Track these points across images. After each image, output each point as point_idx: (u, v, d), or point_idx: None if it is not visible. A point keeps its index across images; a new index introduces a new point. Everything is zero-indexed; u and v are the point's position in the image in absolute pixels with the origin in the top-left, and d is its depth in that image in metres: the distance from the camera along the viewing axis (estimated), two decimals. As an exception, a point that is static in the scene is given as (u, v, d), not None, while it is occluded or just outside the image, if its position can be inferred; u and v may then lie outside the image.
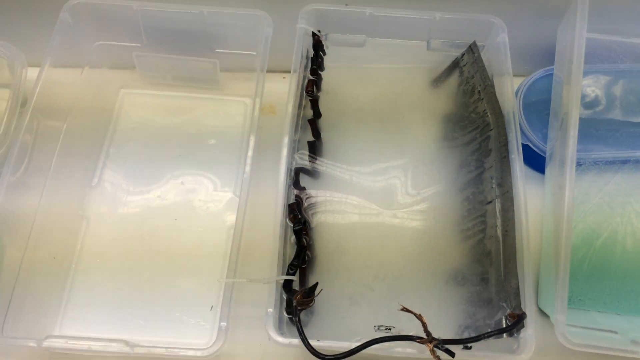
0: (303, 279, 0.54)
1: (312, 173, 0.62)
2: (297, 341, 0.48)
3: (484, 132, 0.62)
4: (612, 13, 0.67)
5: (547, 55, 0.71)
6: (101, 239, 0.64)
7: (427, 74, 0.69)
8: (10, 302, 0.54)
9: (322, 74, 0.66)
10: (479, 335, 0.47)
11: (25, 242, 0.57)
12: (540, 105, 0.68)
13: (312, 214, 0.59)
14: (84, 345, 0.47)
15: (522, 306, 0.50)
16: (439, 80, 0.69)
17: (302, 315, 0.52)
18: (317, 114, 0.63)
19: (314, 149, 0.62)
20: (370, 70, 0.69)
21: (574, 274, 0.60)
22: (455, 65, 0.67)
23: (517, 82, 0.70)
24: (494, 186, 0.58)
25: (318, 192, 0.61)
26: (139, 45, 0.67)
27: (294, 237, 0.55)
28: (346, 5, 0.65)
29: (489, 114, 0.62)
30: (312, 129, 0.62)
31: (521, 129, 0.65)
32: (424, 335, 0.46)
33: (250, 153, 0.57)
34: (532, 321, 0.50)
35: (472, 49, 0.65)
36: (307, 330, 0.48)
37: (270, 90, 0.63)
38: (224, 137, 0.71)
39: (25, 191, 0.58)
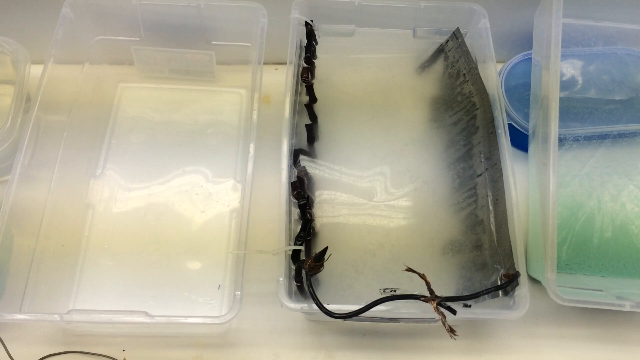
0: (308, 251, 0.57)
1: (309, 154, 0.65)
2: (307, 306, 0.51)
3: (470, 111, 0.66)
4: (584, -1, 0.72)
5: (524, 41, 0.75)
6: (108, 226, 0.66)
7: (414, 60, 0.73)
8: (26, 285, 0.56)
9: (315, 63, 0.69)
10: (478, 292, 0.50)
11: (36, 231, 0.59)
12: (520, 88, 0.73)
13: (314, 192, 0.62)
14: (106, 317, 0.49)
15: (515, 267, 0.54)
16: (425, 66, 0.73)
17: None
18: (313, 99, 0.66)
19: (312, 131, 0.65)
20: (360, 59, 0.73)
21: (560, 241, 0.64)
22: (440, 51, 0.71)
23: (497, 67, 0.74)
24: (482, 160, 0.62)
25: (317, 171, 0.64)
26: (137, 39, 0.70)
27: (297, 214, 0.58)
28: (336, -4, 0.68)
29: (474, 94, 0.65)
30: (309, 113, 0.65)
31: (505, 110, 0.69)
32: (427, 295, 0.49)
33: (254, 136, 0.59)
34: (524, 280, 0.53)
35: (456, 35, 0.69)
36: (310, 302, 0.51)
37: (264, 80, 0.65)
38: (221, 127, 0.73)
39: (34, 183, 0.60)
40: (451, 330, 0.47)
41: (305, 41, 0.67)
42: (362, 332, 0.62)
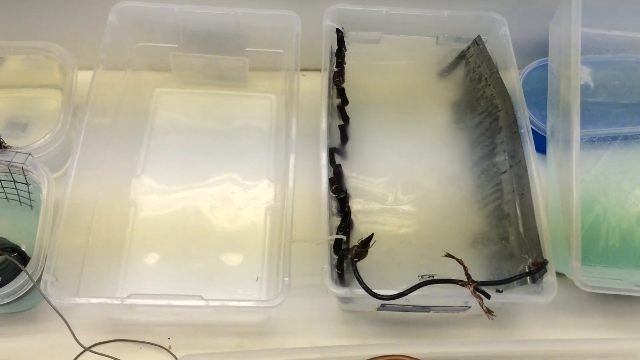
0: (348, 242, 0.61)
1: (341, 153, 0.69)
2: (349, 291, 0.54)
3: (492, 113, 0.70)
4: (594, 8, 0.76)
5: (539, 48, 0.80)
6: (149, 222, 0.69)
7: (436, 66, 0.77)
8: (81, 276, 0.59)
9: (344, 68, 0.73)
10: (510, 278, 0.54)
11: (88, 226, 0.62)
12: (537, 93, 0.77)
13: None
14: (163, 301, 0.53)
15: (543, 256, 0.57)
16: (447, 71, 0.77)
17: (347, 275, 0.58)
18: (345, 101, 0.70)
19: (344, 131, 0.69)
20: (386, 65, 0.77)
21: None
22: (461, 57, 0.75)
23: (516, 72, 0.78)
24: (506, 158, 0.66)
25: (351, 168, 0.68)
26: (176, 46, 0.73)
27: (334, 208, 0.62)
28: (364, 5, 0.72)
29: (496, 97, 0.70)
30: (342, 114, 0.69)
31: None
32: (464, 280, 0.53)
33: (294, 138, 0.63)
34: (552, 268, 0.57)
35: (477, 42, 0.73)
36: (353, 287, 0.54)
37: (290, 86, 0.69)
38: (252, 130, 0.77)
39: (86, 182, 0.63)
40: (489, 312, 0.51)
41: (335, 47, 0.71)
42: (394, 322, 0.65)
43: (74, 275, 0.58)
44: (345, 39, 0.73)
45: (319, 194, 0.60)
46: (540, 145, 0.74)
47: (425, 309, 0.61)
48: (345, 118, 0.70)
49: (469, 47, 0.74)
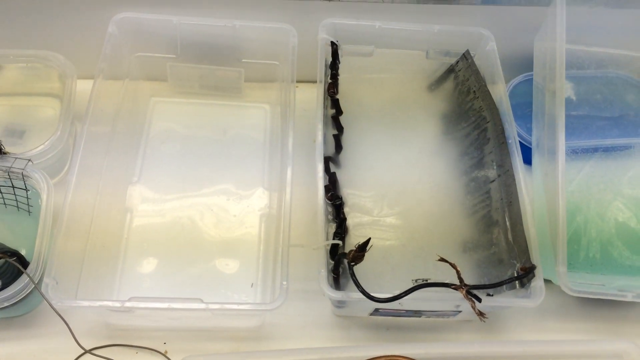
0: (343, 247, 0.62)
1: (335, 162, 0.71)
2: (347, 295, 0.56)
3: (480, 124, 0.72)
4: (578, 26, 0.79)
5: (523, 64, 0.83)
6: (145, 229, 0.70)
7: (427, 79, 0.80)
8: (79, 281, 0.60)
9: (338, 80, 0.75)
10: (500, 282, 0.56)
11: (87, 232, 0.63)
12: (522, 106, 0.80)
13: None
14: (165, 304, 0.54)
15: (531, 261, 0.60)
16: (436, 84, 0.79)
17: (342, 279, 0.60)
18: (339, 111, 0.72)
19: (338, 141, 0.71)
20: (378, 77, 0.79)
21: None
22: (451, 70, 0.78)
23: (502, 86, 0.81)
24: (495, 167, 0.68)
25: (342, 177, 0.69)
26: (174, 56, 0.75)
27: (330, 214, 0.64)
28: (357, 19, 0.74)
29: (484, 109, 0.72)
30: (336, 124, 0.71)
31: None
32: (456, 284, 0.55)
33: (290, 148, 0.65)
34: (539, 273, 0.59)
35: (466, 56, 0.76)
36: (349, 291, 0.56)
37: (285, 97, 0.71)
38: (247, 139, 0.79)
39: (84, 189, 0.64)
40: (481, 314, 0.53)
41: (330, 60, 0.73)
42: (386, 327, 0.67)
43: (73, 279, 0.59)
44: (339, 52, 0.75)
45: (314, 202, 0.62)
46: (526, 157, 0.77)
47: (417, 313, 0.63)
48: (339, 128, 0.72)
49: (457, 61, 0.77)
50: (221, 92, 0.80)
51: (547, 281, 0.66)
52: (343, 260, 0.56)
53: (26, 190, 0.63)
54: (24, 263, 0.60)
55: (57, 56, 0.70)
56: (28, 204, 0.65)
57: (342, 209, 0.63)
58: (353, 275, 0.54)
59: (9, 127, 0.73)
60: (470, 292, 0.54)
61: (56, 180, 0.71)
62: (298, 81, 0.82)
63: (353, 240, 0.67)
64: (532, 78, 0.77)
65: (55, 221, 0.59)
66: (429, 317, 0.65)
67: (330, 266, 0.59)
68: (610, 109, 0.81)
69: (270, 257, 0.67)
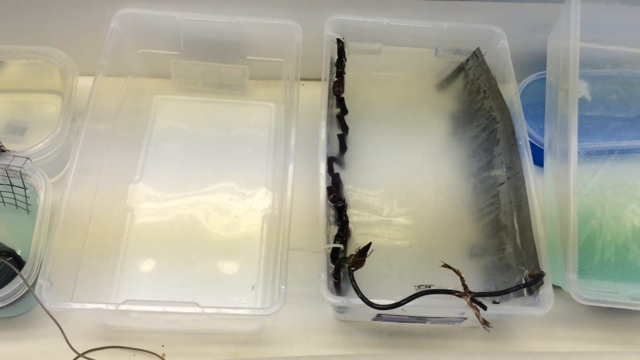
0: (345, 251, 0.61)
1: (340, 162, 0.69)
2: (346, 300, 0.54)
3: (490, 125, 0.70)
4: (593, 24, 0.77)
5: (537, 62, 0.80)
6: (145, 228, 0.69)
7: (435, 77, 0.78)
8: (76, 280, 0.59)
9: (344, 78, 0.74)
10: (507, 289, 0.54)
11: (85, 231, 0.62)
12: (535, 106, 0.77)
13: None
14: (159, 307, 0.52)
15: (540, 268, 0.57)
16: (445, 83, 0.77)
17: (343, 284, 0.58)
18: (344, 111, 0.70)
19: (343, 141, 0.69)
20: (386, 75, 0.77)
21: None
22: (460, 69, 0.76)
23: (514, 85, 0.79)
24: (504, 170, 0.66)
25: (349, 177, 0.68)
26: (177, 53, 0.74)
27: (332, 216, 0.62)
28: (365, 16, 0.73)
29: (494, 109, 0.70)
30: (341, 123, 0.70)
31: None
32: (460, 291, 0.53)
33: (293, 147, 0.63)
34: (548, 280, 0.57)
35: (477, 54, 0.74)
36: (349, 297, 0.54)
37: (290, 95, 0.69)
38: (251, 138, 0.77)
39: (83, 187, 0.63)
40: (485, 323, 0.51)
41: (336, 57, 0.72)
42: (389, 333, 0.65)
43: (69, 280, 0.58)
44: (346, 50, 0.74)
45: (317, 203, 0.60)
46: (538, 158, 0.74)
47: (421, 319, 0.61)
48: (344, 127, 0.70)
49: (468, 60, 0.75)
50: (225, 89, 0.79)
51: (557, 288, 0.64)
52: (344, 264, 0.55)
53: (24, 188, 0.63)
54: (20, 263, 0.59)
55: (58, 52, 0.69)
56: (27, 203, 0.64)
57: (345, 211, 0.61)
58: (353, 280, 0.52)
59: (11, 124, 0.73)
60: (475, 300, 0.52)
61: (57, 179, 0.70)
62: (304, 79, 0.81)
63: (358, 241, 0.66)
64: (544, 77, 0.75)
65: (52, 220, 0.58)
66: (433, 323, 0.63)
67: (331, 270, 0.57)
68: (626, 110, 0.78)
69: (272, 259, 0.65)
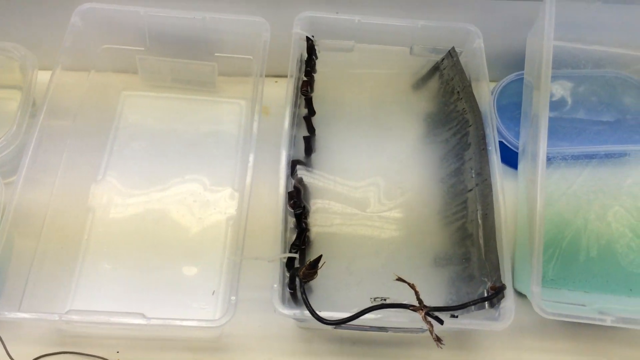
0: (302, 260, 0.59)
1: (306, 165, 0.67)
2: (300, 312, 0.52)
3: (462, 128, 0.68)
4: (575, 22, 0.74)
5: (517, 61, 0.78)
6: (107, 230, 0.67)
7: (410, 77, 0.75)
8: (26, 285, 0.57)
9: (314, 77, 0.71)
10: (465, 303, 0.52)
11: (38, 233, 0.61)
12: (512, 107, 0.75)
13: (310, 202, 0.64)
14: (103, 318, 0.51)
15: (502, 280, 0.56)
16: (420, 83, 0.75)
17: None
18: (311, 112, 0.68)
19: (309, 143, 0.67)
20: (358, 74, 0.75)
21: (547, 257, 0.66)
22: (435, 69, 0.73)
23: (490, 86, 0.76)
24: (473, 176, 0.64)
25: (312, 181, 0.66)
26: (142, 49, 0.72)
27: (292, 223, 0.60)
28: (337, 13, 0.70)
29: (467, 112, 0.68)
30: (308, 125, 0.68)
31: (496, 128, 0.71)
32: (416, 304, 0.51)
33: (253, 146, 0.61)
34: (510, 293, 0.55)
35: (452, 53, 0.71)
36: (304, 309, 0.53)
37: (264, 92, 0.67)
38: (220, 136, 0.75)
39: (38, 186, 0.62)
40: (438, 340, 0.49)
41: (306, 55, 0.69)
42: (352, 341, 0.64)
43: (17, 286, 0.56)
44: (317, 47, 0.71)
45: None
46: (514, 162, 0.72)
47: (382, 329, 0.60)
48: (311, 129, 0.68)
49: (443, 59, 0.73)
50: (194, 86, 0.77)
51: (525, 296, 0.62)
52: (298, 274, 0.53)
53: (-22, 189, 0.61)
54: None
55: (18, 47, 0.68)
56: (-20, 203, 0.62)
57: (305, 218, 0.59)
58: (303, 293, 0.50)
59: (-29, 121, 0.71)
60: (431, 314, 0.50)
61: (15, 178, 0.68)
62: (277, 76, 0.79)
63: (319, 249, 0.64)
64: (523, 77, 0.73)
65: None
66: (396, 332, 0.62)
67: (287, 280, 0.55)
68: (606, 113, 0.76)
69: (232, 264, 0.64)
